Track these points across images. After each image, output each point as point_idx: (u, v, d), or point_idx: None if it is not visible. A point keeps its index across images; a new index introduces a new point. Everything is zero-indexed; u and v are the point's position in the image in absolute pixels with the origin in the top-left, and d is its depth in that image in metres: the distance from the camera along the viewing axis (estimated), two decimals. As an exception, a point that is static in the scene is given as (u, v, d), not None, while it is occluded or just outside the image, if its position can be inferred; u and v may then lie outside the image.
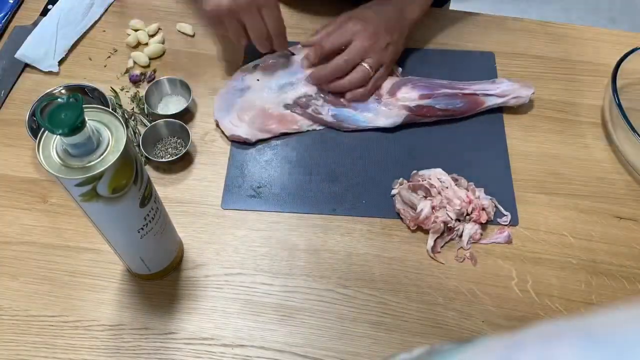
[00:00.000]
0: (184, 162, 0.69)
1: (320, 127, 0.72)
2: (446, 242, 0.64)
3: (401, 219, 0.65)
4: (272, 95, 0.72)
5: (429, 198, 0.64)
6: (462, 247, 0.63)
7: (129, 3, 0.85)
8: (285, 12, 0.82)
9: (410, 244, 0.64)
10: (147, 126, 0.69)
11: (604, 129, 0.74)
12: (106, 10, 0.84)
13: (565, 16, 2.00)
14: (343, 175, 0.69)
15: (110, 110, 0.43)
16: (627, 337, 0.19)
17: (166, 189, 0.67)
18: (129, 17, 0.83)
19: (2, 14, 0.82)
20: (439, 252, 0.63)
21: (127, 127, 0.69)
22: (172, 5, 0.85)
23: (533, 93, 0.73)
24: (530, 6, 2.03)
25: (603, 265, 0.63)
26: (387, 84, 0.73)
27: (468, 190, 0.65)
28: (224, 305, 0.59)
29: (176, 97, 0.74)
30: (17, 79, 0.76)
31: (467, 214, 0.64)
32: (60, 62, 0.78)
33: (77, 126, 0.39)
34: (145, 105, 0.71)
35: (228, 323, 0.58)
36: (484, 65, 0.79)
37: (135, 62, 0.77)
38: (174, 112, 0.71)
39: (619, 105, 0.68)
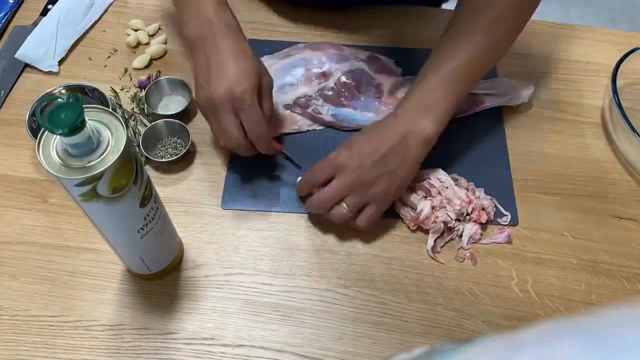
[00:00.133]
0: (184, 162, 0.69)
1: (320, 127, 0.72)
2: (446, 242, 0.64)
3: (401, 219, 0.65)
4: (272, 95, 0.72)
5: (429, 198, 0.64)
6: (462, 247, 0.63)
7: (129, 3, 0.85)
8: (281, 12, 0.82)
9: (410, 244, 0.64)
10: (147, 126, 0.69)
11: (604, 129, 0.74)
12: (106, 10, 0.84)
13: (565, 16, 2.00)
14: (343, 175, 0.68)
15: (110, 110, 0.43)
16: (627, 337, 0.19)
17: (166, 189, 0.67)
18: (129, 17, 0.83)
19: (2, 14, 0.82)
20: (439, 252, 0.63)
21: (127, 127, 0.69)
22: (172, 5, 0.85)
23: (533, 93, 0.73)
24: (530, 6, 2.02)
25: (603, 265, 0.63)
26: (387, 84, 0.73)
27: (468, 190, 0.65)
28: (224, 305, 0.59)
29: (176, 97, 0.74)
30: (17, 79, 0.76)
31: (467, 214, 0.64)
32: (60, 62, 0.78)
33: (77, 126, 0.39)
34: (145, 105, 0.71)
35: (228, 323, 0.58)
36: (484, 65, 0.79)
37: (135, 68, 0.77)
38: (174, 112, 0.71)
39: (619, 105, 0.68)
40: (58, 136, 0.41)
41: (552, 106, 0.76)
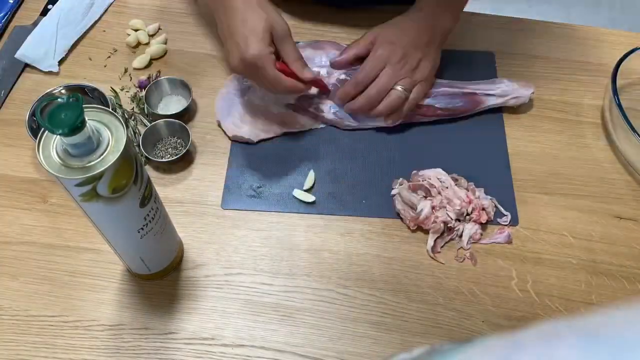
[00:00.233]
0: (184, 162, 0.69)
1: (322, 126, 0.72)
2: (446, 242, 0.64)
3: (401, 219, 0.65)
4: (273, 95, 0.72)
5: (429, 198, 0.64)
6: (462, 247, 0.63)
7: (129, 3, 0.85)
8: (282, 11, 0.82)
9: (410, 244, 0.64)
10: (147, 126, 0.69)
11: (604, 129, 0.74)
12: (106, 10, 0.84)
13: (565, 16, 2.00)
14: (343, 175, 0.69)
15: (110, 110, 0.43)
16: (627, 337, 0.19)
17: (166, 189, 0.67)
18: (129, 17, 0.83)
19: (2, 14, 0.82)
20: (439, 252, 0.63)
21: (127, 127, 0.69)
22: (172, 5, 0.85)
23: (533, 93, 0.73)
24: (531, 6, 2.02)
25: (603, 265, 0.63)
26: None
27: (468, 190, 0.65)
28: (224, 305, 0.59)
29: (176, 97, 0.74)
30: (17, 79, 0.76)
31: (467, 214, 0.64)
32: (60, 62, 0.78)
33: (77, 126, 0.39)
34: (145, 105, 0.71)
35: (228, 323, 0.58)
36: (484, 65, 0.79)
37: (135, 68, 0.77)
38: (174, 112, 0.71)
39: (619, 105, 0.68)
40: (58, 136, 0.41)
41: (552, 106, 0.76)
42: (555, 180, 0.69)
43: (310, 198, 0.66)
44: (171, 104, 0.74)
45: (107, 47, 0.80)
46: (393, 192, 0.66)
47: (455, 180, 0.66)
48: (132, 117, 0.72)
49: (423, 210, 0.63)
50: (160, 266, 0.59)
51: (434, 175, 0.65)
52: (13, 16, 0.83)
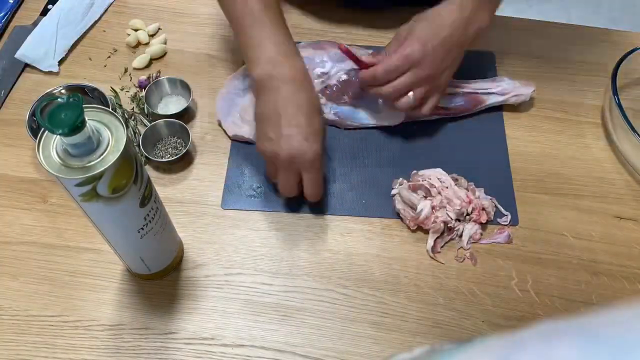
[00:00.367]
0: (184, 162, 0.69)
1: (321, 126, 0.72)
2: (446, 242, 0.64)
3: (401, 219, 0.65)
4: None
5: (429, 198, 0.64)
6: (462, 247, 0.63)
7: (129, 3, 0.85)
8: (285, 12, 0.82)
9: (410, 244, 0.64)
10: (147, 126, 0.69)
11: (604, 129, 0.74)
12: (106, 10, 0.84)
13: (565, 16, 2.00)
14: (343, 175, 0.69)
15: (110, 110, 0.43)
16: (627, 337, 0.19)
17: (166, 189, 0.67)
18: (129, 17, 0.83)
19: (2, 14, 0.82)
20: (439, 252, 0.63)
21: (127, 127, 0.69)
22: (173, 5, 0.85)
23: (534, 91, 0.73)
24: (530, 6, 2.02)
25: (603, 265, 0.63)
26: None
27: (468, 190, 0.65)
28: (224, 305, 0.59)
29: (176, 97, 0.74)
30: (17, 79, 0.76)
31: (467, 214, 0.64)
32: (60, 62, 0.78)
33: (77, 126, 0.39)
34: (145, 105, 0.71)
35: (228, 323, 0.58)
36: (484, 65, 0.79)
37: (135, 68, 0.77)
38: (174, 112, 0.71)
39: (619, 105, 0.68)
40: (58, 136, 0.41)
41: (552, 106, 0.76)
42: (555, 180, 0.69)
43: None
44: (171, 104, 0.74)
45: (107, 47, 0.80)
46: (393, 192, 0.66)
47: (455, 180, 0.66)
48: (132, 117, 0.72)
49: (423, 210, 0.63)
50: (160, 266, 0.59)
51: (434, 175, 0.65)
52: (13, 16, 0.83)
